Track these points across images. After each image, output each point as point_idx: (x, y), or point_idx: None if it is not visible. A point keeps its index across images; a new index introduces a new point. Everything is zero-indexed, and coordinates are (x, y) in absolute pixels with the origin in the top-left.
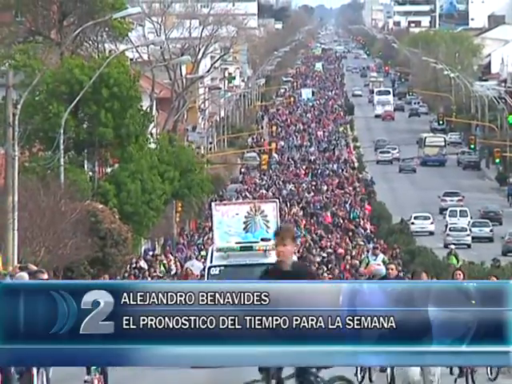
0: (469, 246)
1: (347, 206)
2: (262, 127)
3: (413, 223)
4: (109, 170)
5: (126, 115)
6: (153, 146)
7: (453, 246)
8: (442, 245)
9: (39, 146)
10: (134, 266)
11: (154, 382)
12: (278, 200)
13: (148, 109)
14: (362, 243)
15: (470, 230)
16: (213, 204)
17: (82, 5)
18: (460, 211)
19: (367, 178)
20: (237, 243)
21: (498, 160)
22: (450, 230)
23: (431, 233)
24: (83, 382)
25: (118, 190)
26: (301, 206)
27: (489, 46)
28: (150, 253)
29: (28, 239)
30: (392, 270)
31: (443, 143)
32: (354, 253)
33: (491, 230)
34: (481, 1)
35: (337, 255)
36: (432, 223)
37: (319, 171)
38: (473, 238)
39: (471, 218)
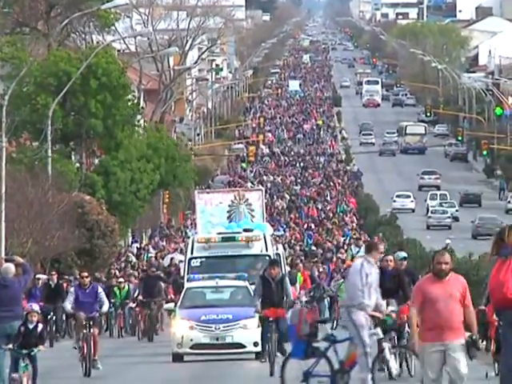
0: (449, 227)
1: (329, 199)
2: (252, 119)
3: (395, 201)
4: (96, 161)
5: (117, 105)
6: (140, 136)
7: (448, 241)
8: (424, 226)
9: (27, 137)
10: (123, 258)
11: (136, 377)
12: (263, 188)
13: (136, 100)
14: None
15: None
16: (196, 192)
17: None
18: (440, 195)
19: (354, 171)
20: (218, 233)
21: (485, 152)
22: (431, 212)
23: (412, 210)
24: (10, 380)
25: (106, 179)
26: (289, 199)
27: (476, 38)
28: (135, 245)
29: (15, 230)
30: (391, 261)
31: (423, 131)
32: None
33: (457, 210)
34: None
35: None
36: (412, 201)
37: (306, 164)
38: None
39: (450, 199)
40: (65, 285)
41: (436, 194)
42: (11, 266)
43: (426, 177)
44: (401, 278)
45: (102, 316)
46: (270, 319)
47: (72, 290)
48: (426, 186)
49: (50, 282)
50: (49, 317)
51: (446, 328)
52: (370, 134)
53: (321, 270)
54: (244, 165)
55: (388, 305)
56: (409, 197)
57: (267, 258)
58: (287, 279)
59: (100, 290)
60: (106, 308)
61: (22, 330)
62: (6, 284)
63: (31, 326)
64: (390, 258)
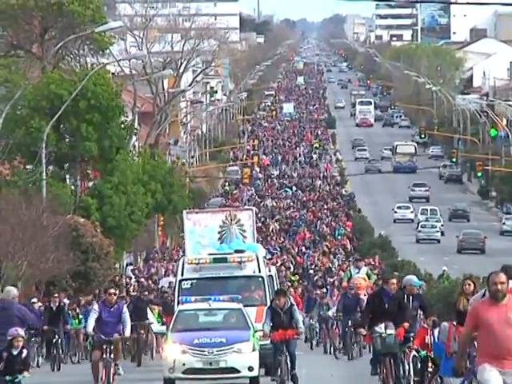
0: (438, 241)
1: (325, 222)
2: (248, 141)
3: (396, 212)
4: (90, 184)
5: (109, 127)
6: (135, 159)
7: (445, 268)
8: (414, 240)
9: (21, 159)
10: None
11: None
12: (253, 208)
13: (130, 122)
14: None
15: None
16: (184, 212)
17: (62, 19)
18: (430, 210)
19: (347, 194)
20: (210, 254)
21: (479, 174)
22: (421, 226)
23: (412, 220)
24: None
25: (101, 202)
26: (284, 221)
27: (471, 60)
28: (130, 267)
29: (10, 253)
30: (393, 284)
31: (413, 151)
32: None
33: (442, 225)
34: (462, 14)
35: (325, 271)
36: (412, 212)
37: (301, 187)
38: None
39: (441, 216)
40: (66, 307)
41: (426, 210)
42: (13, 289)
43: (417, 189)
44: (401, 301)
45: (124, 339)
46: (279, 341)
47: (96, 307)
48: (416, 198)
49: (52, 305)
50: (54, 340)
51: (503, 355)
52: (365, 150)
53: (318, 291)
54: (228, 188)
55: (387, 328)
56: (409, 208)
57: (260, 279)
58: (295, 307)
59: (125, 309)
60: (128, 332)
61: (4, 355)
62: (5, 306)
63: (15, 352)
64: (394, 281)
